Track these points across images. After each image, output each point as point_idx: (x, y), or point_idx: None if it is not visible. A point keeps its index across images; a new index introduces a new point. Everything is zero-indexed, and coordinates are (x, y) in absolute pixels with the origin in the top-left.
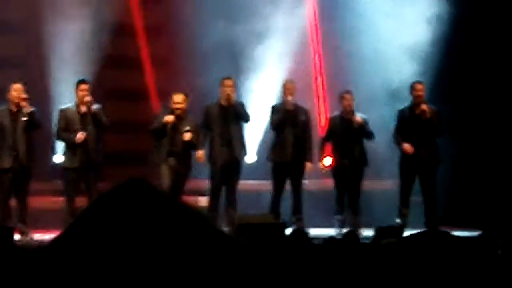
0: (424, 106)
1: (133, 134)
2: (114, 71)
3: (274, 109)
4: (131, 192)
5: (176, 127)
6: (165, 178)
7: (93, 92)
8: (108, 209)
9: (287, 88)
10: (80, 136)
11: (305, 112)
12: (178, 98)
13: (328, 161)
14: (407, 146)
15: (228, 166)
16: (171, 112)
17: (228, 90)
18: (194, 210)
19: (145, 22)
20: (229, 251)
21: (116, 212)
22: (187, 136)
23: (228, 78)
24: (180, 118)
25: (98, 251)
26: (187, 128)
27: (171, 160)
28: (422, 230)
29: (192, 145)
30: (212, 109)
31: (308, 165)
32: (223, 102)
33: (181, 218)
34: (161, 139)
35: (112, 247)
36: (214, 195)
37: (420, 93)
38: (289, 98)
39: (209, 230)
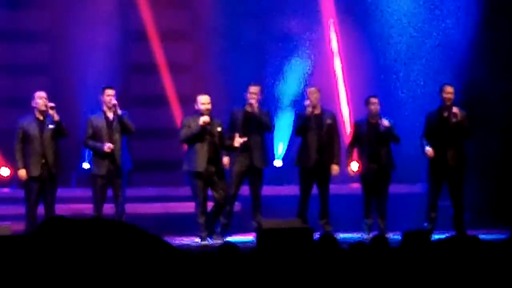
0: (455, 109)
1: (159, 140)
2: (139, 77)
3: (299, 115)
4: (50, 231)
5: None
6: (202, 188)
7: (118, 99)
8: (31, 250)
9: (308, 93)
10: (108, 146)
11: (332, 116)
12: (205, 99)
13: (355, 166)
14: (429, 151)
15: (247, 173)
16: (201, 114)
17: (252, 97)
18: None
19: (169, 27)
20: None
21: (38, 252)
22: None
23: (255, 84)
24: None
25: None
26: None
27: (211, 167)
28: (450, 234)
29: (234, 149)
30: (236, 114)
31: (335, 168)
32: (248, 109)
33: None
34: (194, 145)
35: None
36: (229, 201)
37: (450, 96)
38: (309, 102)
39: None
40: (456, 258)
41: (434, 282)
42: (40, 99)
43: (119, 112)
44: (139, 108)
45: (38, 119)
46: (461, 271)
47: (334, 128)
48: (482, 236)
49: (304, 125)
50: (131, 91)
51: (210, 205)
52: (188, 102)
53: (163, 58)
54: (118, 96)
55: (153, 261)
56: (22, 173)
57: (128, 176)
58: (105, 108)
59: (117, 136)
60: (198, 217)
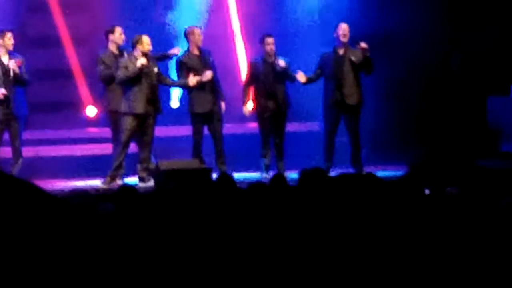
0: (363, 44)
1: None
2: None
3: (179, 60)
4: None
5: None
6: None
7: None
8: None
9: (198, 34)
10: (2, 93)
11: (209, 53)
12: (148, 40)
13: (251, 105)
14: (300, 75)
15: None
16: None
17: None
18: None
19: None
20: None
21: None
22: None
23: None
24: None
25: None
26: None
27: (149, 108)
28: (347, 171)
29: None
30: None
31: (222, 104)
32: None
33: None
34: (132, 87)
35: None
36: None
37: (345, 33)
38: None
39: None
40: (353, 195)
41: (332, 220)
42: None
43: (16, 69)
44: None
45: None
46: (358, 209)
47: (215, 66)
48: (379, 173)
49: (187, 69)
50: (28, 32)
51: None
52: (83, 43)
53: None
54: (14, 37)
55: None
56: None
57: (25, 120)
58: (1, 52)
59: (11, 80)
60: (116, 159)
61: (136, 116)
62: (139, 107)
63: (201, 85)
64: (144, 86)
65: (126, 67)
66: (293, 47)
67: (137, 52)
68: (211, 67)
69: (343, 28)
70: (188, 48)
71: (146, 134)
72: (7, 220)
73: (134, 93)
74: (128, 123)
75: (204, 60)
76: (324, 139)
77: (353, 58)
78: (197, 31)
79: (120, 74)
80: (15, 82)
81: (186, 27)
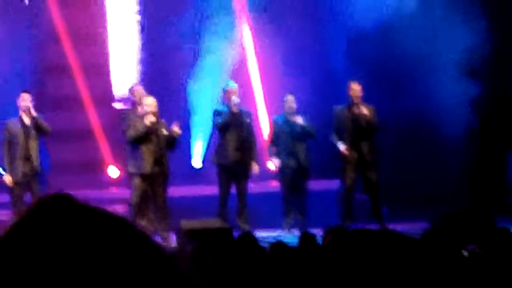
0: (364, 109)
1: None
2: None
3: (217, 112)
4: (56, 208)
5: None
6: (140, 190)
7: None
8: (34, 227)
9: (230, 91)
10: (9, 180)
11: (249, 115)
12: (152, 101)
13: (274, 163)
14: (343, 147)
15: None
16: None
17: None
18: (124, 221)
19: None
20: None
21: (42, 230)
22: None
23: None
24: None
25: (27, 270)
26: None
27: (155, 169)
28: (368, 227)
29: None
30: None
31: (254, 165)
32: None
33: (109, 232)
34: (139, 146)
35: (40, 267)
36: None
37: (357, 93)
38: (234, 99)
39: (143, 242)
40: (380, 252)
41: (364, 279)
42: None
43: (34, 113)
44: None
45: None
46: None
47: (252, 126)
48: (400, 228)
49: (227, 121)
50: (46, 94)
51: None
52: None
53: (76, 60)
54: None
55: None
56: None
57: (46, 179)
58: (21, 112)
59: (33, 143)
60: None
61: (143, 176)
62: (147, 167)
63: (227, 139)
64: (151, 145)
65: (135, 126)
66: (312, 104)
67: (143, 111)
68: (247, 127)
69: (355, 88)
70: (226, 105)
71: (156, 195)
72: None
73: (141, 153)
74: (135, 183)
75: (239, 119)
76: (343, 196)
77: (367, 115)
78: (233, 89)
79: (131, 132)
80: (37, 130)
81: (225, 87)
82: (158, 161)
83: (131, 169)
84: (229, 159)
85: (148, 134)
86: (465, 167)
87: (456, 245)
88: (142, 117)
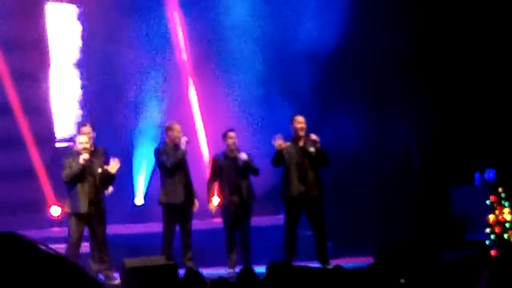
0: (314, 136)
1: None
2: None
3: (159, 151)
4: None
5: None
6: (78, 229)
7: None
8: None
9: (172, 129)
10: None
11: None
12: (83, 139)
13: (216, 201)
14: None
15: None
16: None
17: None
18: (69, 262)
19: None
20: None
21: None
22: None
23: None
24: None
25: None
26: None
27: (91, 209)
28: (313, 263)
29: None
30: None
31: (196, 203)
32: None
33: (55, 271)
34: (75, 186)
35: None
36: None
37: (302, 125)
38: (183, 140)
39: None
40: None
41: None
42: None
43: None
44: None
45: None
46: None
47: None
48: (345, 265)
49: (178, 160)
50: None
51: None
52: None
53: (17, 99)
54: None
55: None
56: None
57: None
58: None
59: None
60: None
61: (79, 216)
62: (82, 207)
63: (174, 178)
64: (87, 185)
65: (70, 166)
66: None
67: (79, 147)
68: (185, 164)
69: (300, 120)
70: (165, 142)
71: (96, 234)
72: None
73: (77, 192)
74: (72, 223)
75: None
76: (286, 232)
77: (311, 150)
78: (177, 127)
79: (67, 171)
80: None
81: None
82: (93, 201)
83: (68, 209)
84: (180, 198)
85: (84, 173)
86: (409, 202)
87: (395, 277)
88: (78, 156)
